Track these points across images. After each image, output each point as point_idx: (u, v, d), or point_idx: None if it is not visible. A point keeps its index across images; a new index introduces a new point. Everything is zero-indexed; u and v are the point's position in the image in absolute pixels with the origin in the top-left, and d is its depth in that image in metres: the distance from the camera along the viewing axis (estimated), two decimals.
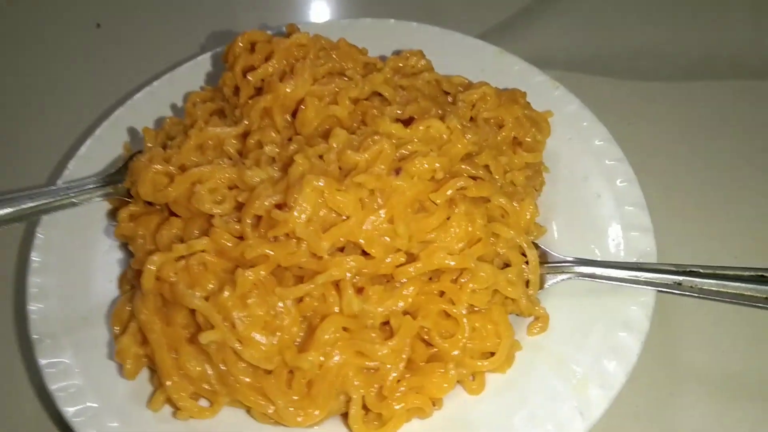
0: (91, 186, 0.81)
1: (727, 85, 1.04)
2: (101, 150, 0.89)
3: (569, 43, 1.10)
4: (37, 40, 1.19)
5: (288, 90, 0.76)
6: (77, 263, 0.80)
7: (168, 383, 0.67)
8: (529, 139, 0.84)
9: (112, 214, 0.83)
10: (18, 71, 1.15)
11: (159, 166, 0.73)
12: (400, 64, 0.88)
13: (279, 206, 0.65)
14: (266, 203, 0.65)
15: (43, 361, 0.72)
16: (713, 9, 1.14)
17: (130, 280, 0.75)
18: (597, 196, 0.83)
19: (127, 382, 0.71)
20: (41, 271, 0.78)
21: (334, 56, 0.83)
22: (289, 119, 0.78)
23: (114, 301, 0.77)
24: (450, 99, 0.85)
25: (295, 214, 0.63)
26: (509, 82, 0.93)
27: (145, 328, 0.68)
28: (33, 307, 0.76)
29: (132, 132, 0.91)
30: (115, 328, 0.72)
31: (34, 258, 0.79)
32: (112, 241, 0.82)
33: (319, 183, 0.64)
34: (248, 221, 0.66)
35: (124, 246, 0.80)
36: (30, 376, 0.80)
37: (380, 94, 0.81)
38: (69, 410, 0.68)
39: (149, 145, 0.82)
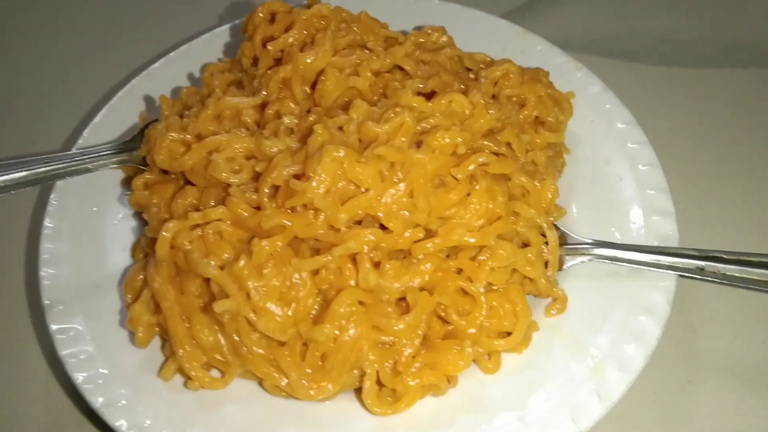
0: (106, 153, 0.80)
1: (751, 73, 1.01)
2: (117, 118, 0.88)
3: (591, 26, 1.08)
4: (55, 8, 1.17)
5: (308, 60, 0.74)
6: (90, 230, 0.79)
7: (180, 352, 0.66)
8: (551, 119, 0.82)
9: (127, 183, 0.82)
10: (35, 39, 1.14)
11: (175, 134, 0.72)
12: (422, 40, 0.86)
13: (297, 176, 0.64)
14: (284, 173, 0.64)
15: (54, 327, 0.71)
16: None
17: (144, 248, 0.74)
18: (618, 179, 0.82)
19: (139, 350, 0.70)
20: (54, 237, 0.78)
21: (355, 29, 0.81)
22: (308, 91, 0.77)
23: (127, 269, 0.76)
24: (472, 75, 0.84)
25: (314, 184, 0.62)
26: (531, 62, 0.91)
27: (158, 296, 0.67)
28: (45, 272, 0.75)
29: (148, 101, 0.90)
30: (128, 296, 0.72)
31: (47, 224, 0.78)
32: (126, 209, 0.81)
33: (339, 153, 0.63)
34: (265, 191, 0.65)
35: (138, 215, 0.80)
36: (40, 342, 0.79)
37: (401, 68, 0.80)
38: (79, 376, 0.68)
39: (165, 113, 0.81)
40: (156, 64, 0.94)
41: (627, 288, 0.73)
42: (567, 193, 0.81)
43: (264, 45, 0.78)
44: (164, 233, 0.66)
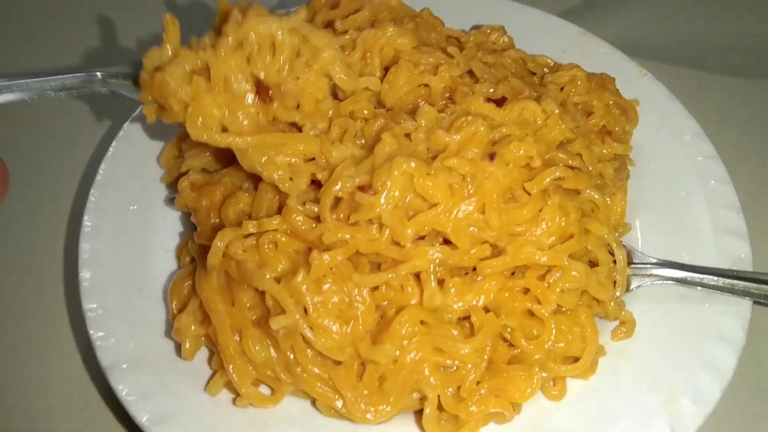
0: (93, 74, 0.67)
1: None
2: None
3: (655, 30, 1.03)
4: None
5: (395, 34, 0.69)
6: (132, 230, 0.75)
7: (230, 367, 0.63)
8: (618, 129, 0.78)
9: (172, 184, 0.78)
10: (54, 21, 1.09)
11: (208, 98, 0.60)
12: (482, 40, 0.82)
13: (362, 188, 0.60)
14: (348, 185, 0.60)
15: (95, 334, 0.67)
16: None
17: (191, 253, 0.70)
18: (687, 194, 0.78)
19: (183, 362, 0.66)
20: (93, 236, 0.74)
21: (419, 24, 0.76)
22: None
23: (171, 273, 0.72)
24: (537, 80, 0.79)
25: (382, 199, 0.58)
26: (592, 65, 0.86)
27: (207, 307, 0.64)
28: (85, 274, 0.71)
29: None
30: (173, 303, 0.68)
31: (86, 222, 0.75)
32: (169, 208, 0.77)
33: (410, 165, 0.59)
34: (327, 203, 0.61)
35: (184, 216, 0.76)
36: (80, 349, 0.76)
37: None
38: (123, 389, 0.64)
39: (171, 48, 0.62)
40: None
41: (698, 313, 0.69)
42: (631, 208, 0.77)
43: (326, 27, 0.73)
44: (218, 242, 0.62)
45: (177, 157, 0.78)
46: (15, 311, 0.78)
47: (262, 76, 0.61)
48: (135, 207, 0.77)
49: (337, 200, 0.62)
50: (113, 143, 0.81)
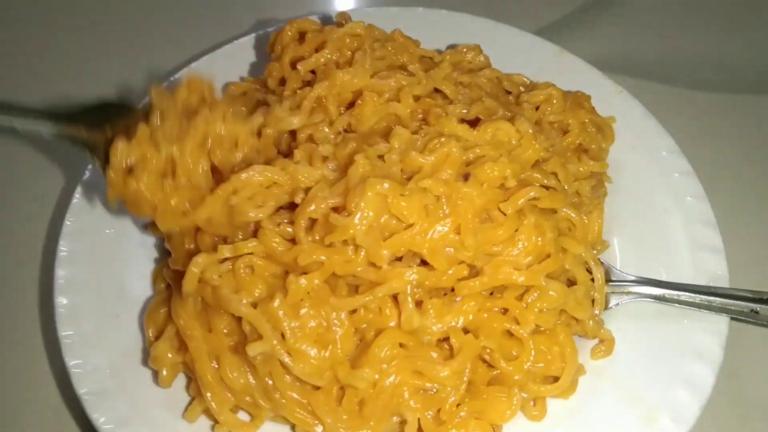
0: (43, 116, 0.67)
1: None
2: None
3: (629, 47, 1.04)
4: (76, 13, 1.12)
5: (346, 78, 0.70)
6: (108, 255, 0.75)
7: (208, 394, 0.62)
8: (594, 147, 0.79)
9: None
10: (52, 45, 1.08)
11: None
12: (457, 59, 0.82)
13: (336, 209, 0.60)
14: (322, 206, 0.60)
15: (71, 361, 0.66)
16: None
17: (167, 278, 0.69)
18: (663, 211, 0.78)
19: (161, 389, 0.66)
20: (69, 262, 0.73)
21: (390, 48, 0.77)
22: (342, 111, 0.72)
23: (148, 299, 0.72)
24: (512, 99, 0.80)
25: (356, 220, 0.58)
26: (568, 83, 0.87)
27: (184, 334, 0.63)
28: (60, 300, 0.70)
29: None
30: (149, 330, 0.67)
31: (61, 247, 0.74)
32: (145, 233, 0.76)
33: (384, 186, 0.59)
34: (302, 224, 0.61)
35: (160, 241, 0.75)
36: (56, 377, 0.74)
37: (438, 91, 0.75)
38: (99, 417, 0.63)
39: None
40: (177, 75, 0.89)
41: (676, 330, 0.69)
42: (608, 225, 0.77)
43: (293, 66, 0.74)
44: (193, 269, 0.61)
45: None
46: None
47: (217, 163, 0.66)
48: (111, 231, 0.76)
49: (312, 222, 0.62)
50: (89, 167, 0.80)
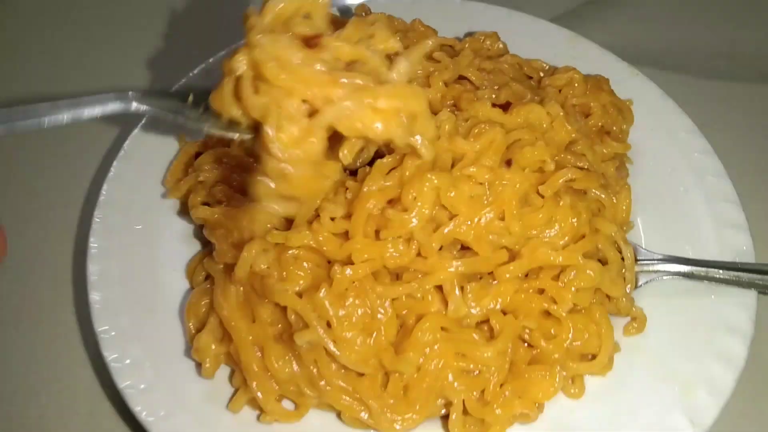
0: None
1: None
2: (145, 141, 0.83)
3: (641, 36, 1.04)
4: (95, 22, 1.11)
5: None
6: (138, 250, 0.74)
7: (254, 384, 0.62)
8: (615, 128, 0.80)
9: (183, 205, 0.77)
10: (70, 47, 1.07)
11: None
12: (477, 47, 0.83)
13: (390, 201, 0.60)
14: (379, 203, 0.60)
15: (110, 356, 0.66)
16: None
17: (207, 270, 0.69)
18: (685, 190, 0.80)
19: (203, 380, 0.66)
20: (101, 258, 0.73)
21: (411, 37, 0.77)
22: None
23: (181, 292, 0.72)
24: (534, 84, 0.81)
25: (414, 218, 0.58)
26: (584, 67, 0.87)
27: (228, 324, 0.63)
28: (95, 296, 0.70)
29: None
30: (190, 323, 0.68)
31: (92, 243, 0.74)
32: (173, 228, 0.76)
33: (441, 179, 0.59)
34: (360, 222, 0.61)
35: (188, 235, 0.75)
36: (96, 370, 0.74)
37: (463, 78, 0.76)
38: (142, 410, 0.64)
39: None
40: (195, 71, 0.89)
41: (706, 306, 0.71)
42: (632, 205, 0.78)
43: None
44: (246, 254, 0.61)
45: (183, 177, 0.77)
46: (28, 338, 0.76)
47: (303, 30, 0.56)
48: (140, 227, 0.76)
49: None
50: (114, 163, 0.80)
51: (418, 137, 0.56)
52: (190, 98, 0.62)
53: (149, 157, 0.81)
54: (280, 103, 0.53)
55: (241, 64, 0.54)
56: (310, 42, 0.55)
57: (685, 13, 1.09)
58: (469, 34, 0.88)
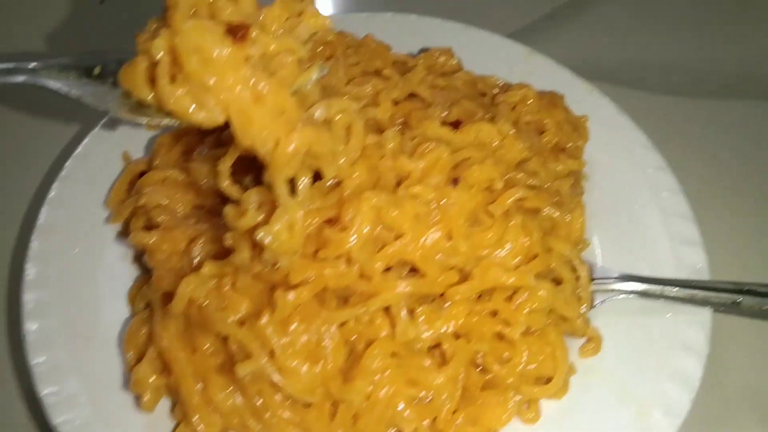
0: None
1: (762, 105, 0.99)
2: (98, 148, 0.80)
3: (598, 51, 1.04)
4: (39, 16, 1.07)
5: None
6: (78, 276, 0.71)
7: (195, 417, 0.59)
8: (570, 145, 0.79)
9: (124, 228, 0.74)
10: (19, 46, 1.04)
11: None
12: (430, 63, 0.82)
13: (329, 220, 0.58)
14: (316, 220, 0.58)
15: (44, 390, 0.63)
16: (749, 27, 1.10)
17: (146, 298, 0.66)
18: (641, 207, 0.79)
19: (142, 414, 0.63)
20: (38, 285, 0.69)
21: (363, 54, 0.76)
22: None
23: (122, 320, 0.69)
24: (487, 101, 0.79)
25: (352, 235, 0.57)
26: (540, 83, 0.87)
27: (167, 355, 0.61)
28: (30, 326, 0.67)
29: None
30: (129, 353, 0.65)
31: (28, 270, 0.70)
32: (114, 251, 0.73)
33: (380, 199, 0.57)
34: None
35: (129, 260, 0.72)
36: (29, 407, 0.70)
37: (414, 95, 0.75)
38: None
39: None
40: None
41: (661, 324, 0.70)
42: (587, 223, 0.77)
43: None
44: (183, 291, 0.58)
45: (126, 198, 0.74)
46: None
47: (229, 17, 0.52)
48: (80, 251, 0.73)
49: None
50: (55, 183, 0.77)
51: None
52: (97, 70, 0.58)
53: (92, 176, 0.78)
54: (198, 98, 0.51)
55: (159, 49, 0.51)
56: (236, 32, 0.51)
57: (640, 28, 1.09)
58: (424, 50, 0.87)
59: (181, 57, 0.49)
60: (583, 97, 0.88)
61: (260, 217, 0.55)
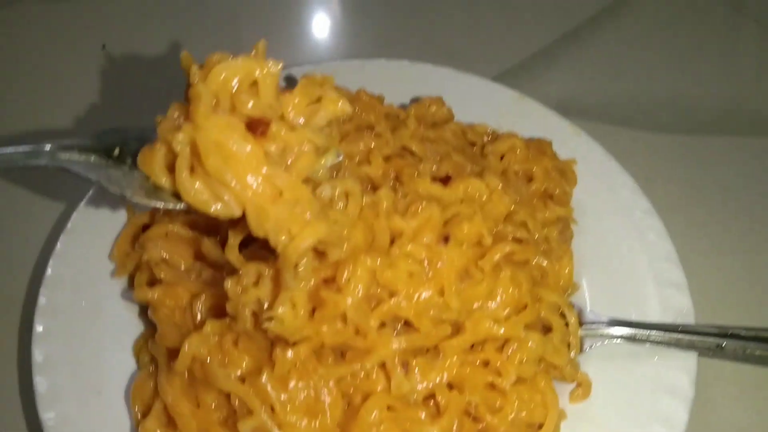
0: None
1: (749, 141, 1.02)
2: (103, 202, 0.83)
3: (586, 90, 1.07)
4: (42, 60, 1.11)
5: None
6: (86, 329, 0.74)
7: None
8: (558, 191, 0.82)
9: (129, 280, 0.77)
10: (22, 91, 1.07)
11: None
12: (421, 113, 0.85)
13: (325, 280, 0.61)
14: (313, 282, 0.61)
15: None
16: (735, 63, 1.13)
17: (151, 352, 0.69)
18: (628, 250, 0.81)
19: None
20: (46, 340, 0.72)
21: (356, 109, 0.79)
22: None
23: (130, 373, 0.71)
24: (477, 150, 0.82)
25: (348, 299, 0.59)
26: (529, 126, 0.91)
27: (172, 410, 0.63)
28: (39, 380, 0.69)
29: None
30: (135, 408, 0.67)
31: (37, 324, 0.73)
32: (121, 304, 0.76)
33: (372, 262, 0.60)
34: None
35: (135, 312, 0.75)
36: None
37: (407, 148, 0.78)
38: None
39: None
40: None
41: (648, 369, 0.72)
42: (577, 266, 0.80)
43: None
44: (186, 349, 0.61)
45: (130, 251, 0.77)
46: None
47: (250, 111, 0.54)
48: (87, 304, 0.76)
49: None
50: (60, 237, 0.80)
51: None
52: (116, 151, 0.60)
53: (97, 230, 0.81)
54: (216, 192, 0.54)
55: (181, 143, 0.54)
56: (257, 128, 0.54)
57: (626, 67, 1.12)
58: (415, 100, 0.90)
59: (201, 152, 0.52)
60: (571, 140, 0.91)
61: (260, 292, 0.57)
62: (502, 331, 0.65)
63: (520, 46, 1.13)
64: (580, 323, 0.74)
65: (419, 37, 1.15)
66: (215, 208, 0.53)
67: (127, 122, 0.94)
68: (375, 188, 0.68)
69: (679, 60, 1.14)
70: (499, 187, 0.70)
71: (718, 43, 1.16)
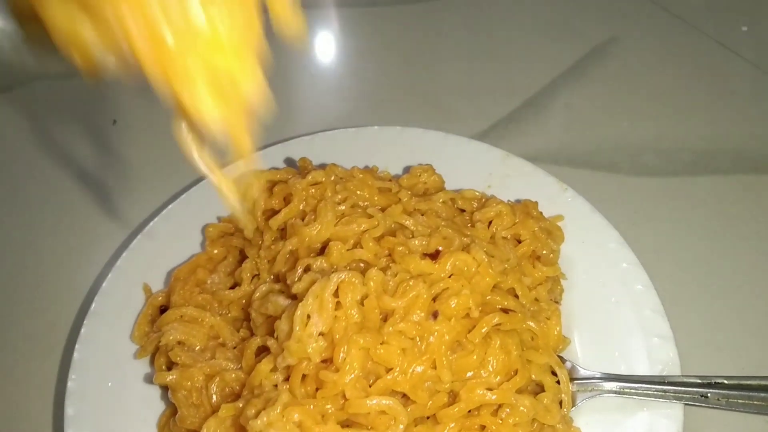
0: None
1: (732, 180, 1.05)
2: (121, 283, 0.89)
3: (572, 139, 1.12)
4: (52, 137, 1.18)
5: (313, 232, 0.77)
6: (113, 410, 0.79)
7: None
8: (545, 252, 0.86)
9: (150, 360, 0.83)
10: (31, 172, 1.14)
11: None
12: (413, 183, 0.90)
13: (324, 361, 0.67)
14: (313, 365, 0.66)
15: None
16: (714, 103, 1.17)
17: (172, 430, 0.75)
18: (616, 302, 0.86)
19: None
20: (76, 423, 0.78)
21: (350, 187, 0.84)
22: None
23: None
24: (467, 217, 0.87)
25: (346, 378, 0.65)
26: (517, 184, 0.96)
27: None
28: None
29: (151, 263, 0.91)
30: None
31: (68, 407, 0.79)
32: (145, 385, 0.82)
33: (365, 341, 0.66)
34: (297, 382, 0.67)
35: (158, 391, 0.81)
36: None
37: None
38: None
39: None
40: (156, 219, 0.95)
41: (637, 421, 0.76)
42: (568, 320, 0.84)
43: (267, 219, 0.81)
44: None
45: (150, 332, 0.83)
46: None
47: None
48: (111, 384, 0.82)
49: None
50: (85, 320, 0.86)
51: None
52: None
53: (118, 310, 0.87)
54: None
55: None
56: None
57: (609, 114, 1.16)
58: (407, 169, 0.96)
59: None
60: (558, 196, 0.95)
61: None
62: (494, 398, 0.70)
63: (508, 98, 1.18)
64: (573, 378, 0.79)
65: (412, 96, 1.20)
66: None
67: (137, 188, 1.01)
68: (368, 268, 0.74)
69: (661, 101, 1.18)
70: (485, 261, 0.75)
71: (700, 82, 1.20)
